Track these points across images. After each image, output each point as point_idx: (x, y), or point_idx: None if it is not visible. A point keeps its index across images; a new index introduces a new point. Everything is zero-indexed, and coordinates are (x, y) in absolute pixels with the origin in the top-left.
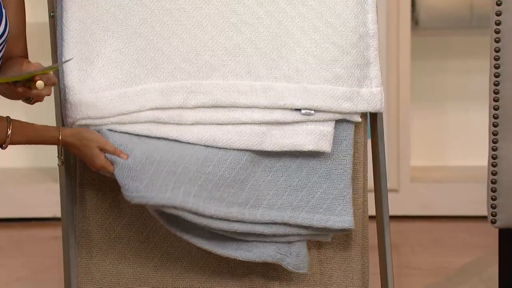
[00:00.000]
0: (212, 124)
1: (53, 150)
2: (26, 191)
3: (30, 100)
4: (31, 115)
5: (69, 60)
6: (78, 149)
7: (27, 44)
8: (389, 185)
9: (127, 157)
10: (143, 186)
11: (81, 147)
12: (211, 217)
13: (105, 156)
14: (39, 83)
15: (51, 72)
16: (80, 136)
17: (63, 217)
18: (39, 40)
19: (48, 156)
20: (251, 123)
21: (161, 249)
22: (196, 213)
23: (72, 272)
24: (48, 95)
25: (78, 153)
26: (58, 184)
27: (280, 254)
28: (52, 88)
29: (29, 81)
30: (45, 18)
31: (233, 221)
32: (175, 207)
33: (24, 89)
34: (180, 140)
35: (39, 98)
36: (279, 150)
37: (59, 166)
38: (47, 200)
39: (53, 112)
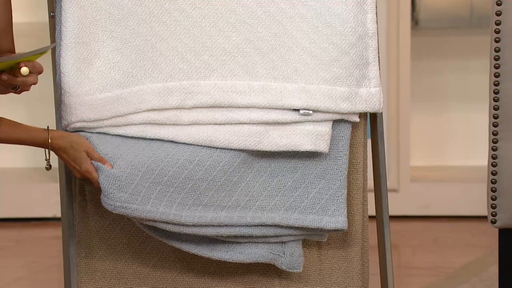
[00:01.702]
0: (210, 124)
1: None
2: (26, 191)
3: (17, 88)
4: (31, 115)
5: (53, 44)
6: (65, 152)
7: (29, 44)
8: (389, 185)
9: (112, 167)
10: (126, 197)
11: (69, 150)
12: (194, 225)
13: (91, 162)
14: (24, 69)
15: (37, 60)
16: (69, 139)
17: (63, 217)
18: (39, 40)
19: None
20: (249, 123)
21: (161, 249)
22: (178, 224)
23: (72, 272)
24: (35, 83)
25: (65, 156)
26: (58, 184)
27: (273, 254)
28: (50, 88)
29: (14, 69)
30: (45, 18)
31: (220, 226)
32: (154, 221)
33: (9, 77)
34: (176, 141)
35: (25, 87)
36: (276, 150)
37: (46, 169)
38: (47, 200)
39: (53, 113)
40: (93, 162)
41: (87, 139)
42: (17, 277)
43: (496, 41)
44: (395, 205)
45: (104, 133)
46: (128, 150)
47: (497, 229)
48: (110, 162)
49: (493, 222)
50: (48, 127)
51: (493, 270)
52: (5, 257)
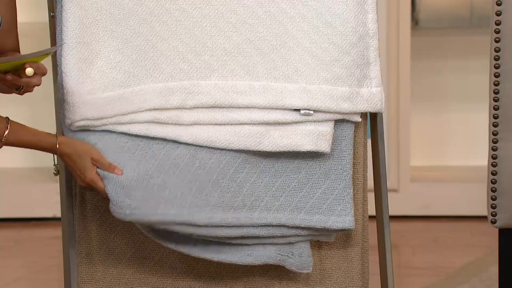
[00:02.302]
0: (211, 124)
1: None
2: (26, 191)
3: (20, 89)
4: (34, 115)
5: (60, 45)
6: (71, 159)
7: (29, 45)
8: (389, 185)
9: (121, 173)
10: (136, 203)
11: (75, 158)
12: (205, 226)
13: (96, 172)
14: (29, 70)
15: (41, 61)
16: (75, 146)
17: (63, 217)
18: (39, 40)
19: (48, 156)
20: (250, 124)
21: (161, 249)
22: (190, 225)
23: (72, 272)
24: (38, 85)
25: (70, 163)
26: (58, 184)
27: (281, 255)
28: (52, 88)
29: (19, 69)
30: (45, 18)
31: (228, 226)
32: (167, 223)
33: (13, 77)
34: (178, 140)
35: (29, 88)
36: (277, 150)
37: (54, 174)
38: (47, 200)
39: (53, 113)
40: (99, 171)
41: (93, 145)
42: (17, 277)
43: (496, 41)
44: (395, 205)
45: (109, 131)
46: (131, 156)
47: (497, 229)
48: (119, 167)
49: (493, 222)
50: (56, 132)
51: (493, 270)
52: (5, 257)
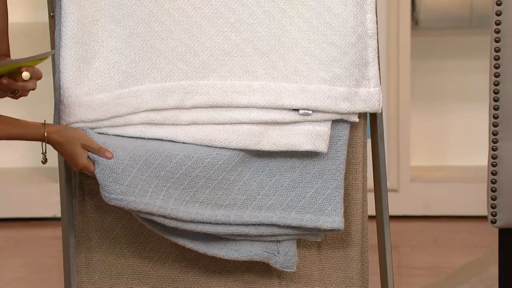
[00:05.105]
0: (209, 124)
1: (53, 150)
2: (26, 191)
3: (15, 93)
4: (31, 115)
5: (54, 51)
6: (62, 147)
7: (29, 45)
8: (389, 185)
9: (112, 156)
10: (123, 189)
11: (65, 145)
12: (192, 221)
13: (88, 156)
14: (25, 74)
15: (37, 66)
16: (65, 133)
17: (63, 217)
18: (39, 40)
19: (48, 156)
20: (249, 123)
21: (160, 249)
22: (175, 219)
23: (72, 272)
24: (34, 89)
25: (61, 150)
26: (58, 184)
27: (268, 252)
28: (50, 88)
29: (15, 73)
30: (45, 18)
31: (217, 224)
32: (152, 214)
33: (9, 81)
34: (175, 140)
35: (24, 92)
36: (276, 150)
37: (42, 163)
38: (47, 200)
39: (51, 114)
40: (90, 154)
41: (84, 130)
42: (17, 277)
43: (496, 41)
44: (395, 205)
45: (103, 134)
46: (125, 143)
47: (497, 229)
48: (110, 151)
49: (493, 222)
50: (45, 121)
51: (493, 270)
52: (5, 257)
